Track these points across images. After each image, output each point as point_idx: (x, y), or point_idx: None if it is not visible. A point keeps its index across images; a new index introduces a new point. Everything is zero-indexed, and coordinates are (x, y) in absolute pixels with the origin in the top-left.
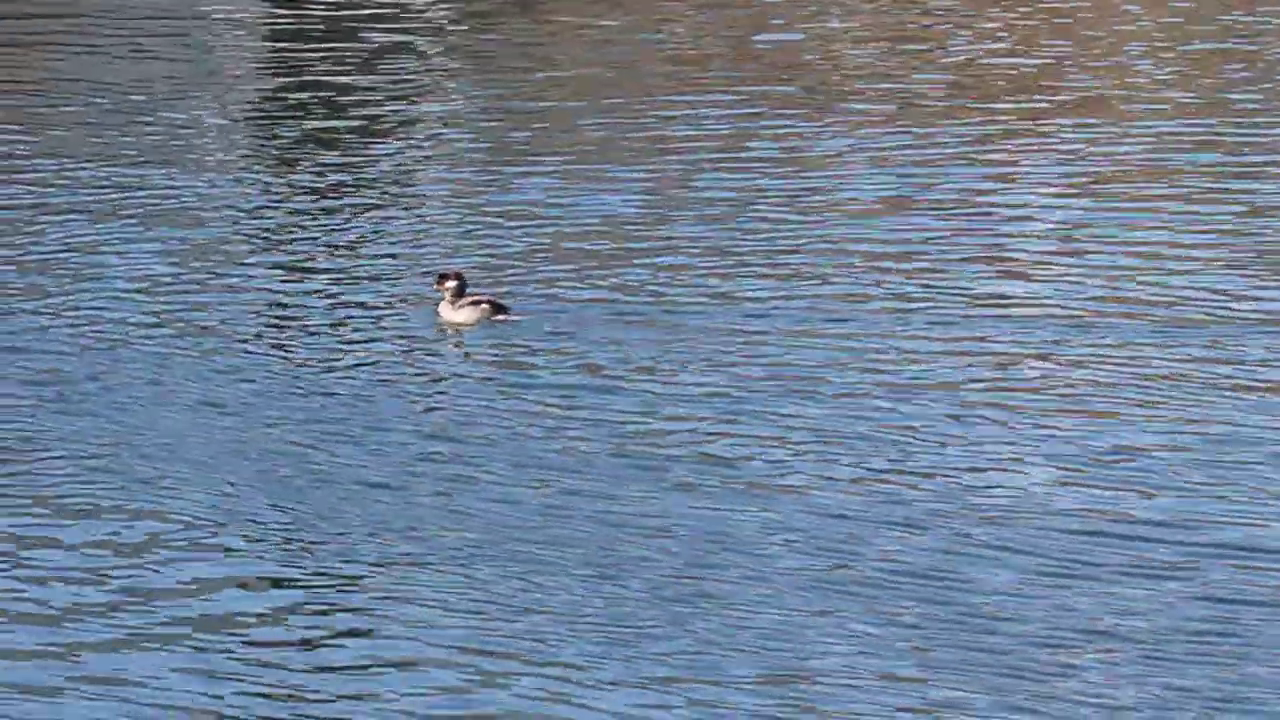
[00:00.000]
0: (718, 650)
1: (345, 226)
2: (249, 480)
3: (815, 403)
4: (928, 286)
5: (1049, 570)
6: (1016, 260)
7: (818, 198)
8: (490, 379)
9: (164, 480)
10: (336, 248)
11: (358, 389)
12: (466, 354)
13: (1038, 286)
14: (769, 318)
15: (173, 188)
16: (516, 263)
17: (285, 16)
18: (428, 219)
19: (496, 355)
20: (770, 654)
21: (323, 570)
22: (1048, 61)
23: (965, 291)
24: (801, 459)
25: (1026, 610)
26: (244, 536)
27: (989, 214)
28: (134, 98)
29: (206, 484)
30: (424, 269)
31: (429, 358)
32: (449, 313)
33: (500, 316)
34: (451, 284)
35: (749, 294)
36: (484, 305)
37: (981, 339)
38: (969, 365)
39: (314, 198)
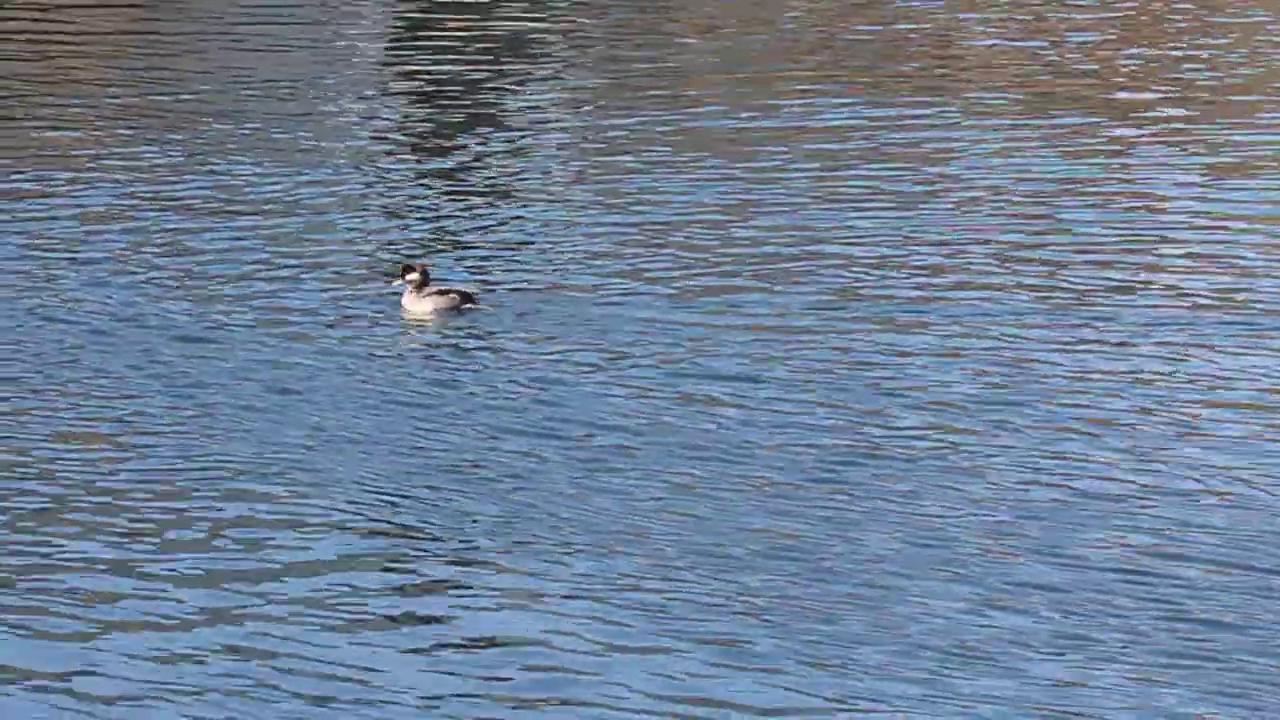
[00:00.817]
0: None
1: (453, 217)
2: (364, 469)
3: (975, 400)
4: (1084, 280)
5: (1269, 569)
6: (1179, 254)
7: (936, 189)
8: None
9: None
10: (444, 238)
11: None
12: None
13: (1199, 282)
14: (901, 308)
15: (291, 180)
16: (609, 254)
17: (406, 6)
18: (529, 214)
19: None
20: (974, 652)
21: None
22: (1174, 51)
23: (1123, 286)
24: (983, 454)
25: (1249, 614)
26: (352, 518)
27: (1120, 205)
28: (259, 89)
29: (296, 470)
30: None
31: (385, 349)
32: (412, 304)
33: (469, 305)
34: (414, 275)
35: (875, 285)
36: (451, 295)
37: (1147, 333)
38: (1138, 361)
39: (426, 188)
